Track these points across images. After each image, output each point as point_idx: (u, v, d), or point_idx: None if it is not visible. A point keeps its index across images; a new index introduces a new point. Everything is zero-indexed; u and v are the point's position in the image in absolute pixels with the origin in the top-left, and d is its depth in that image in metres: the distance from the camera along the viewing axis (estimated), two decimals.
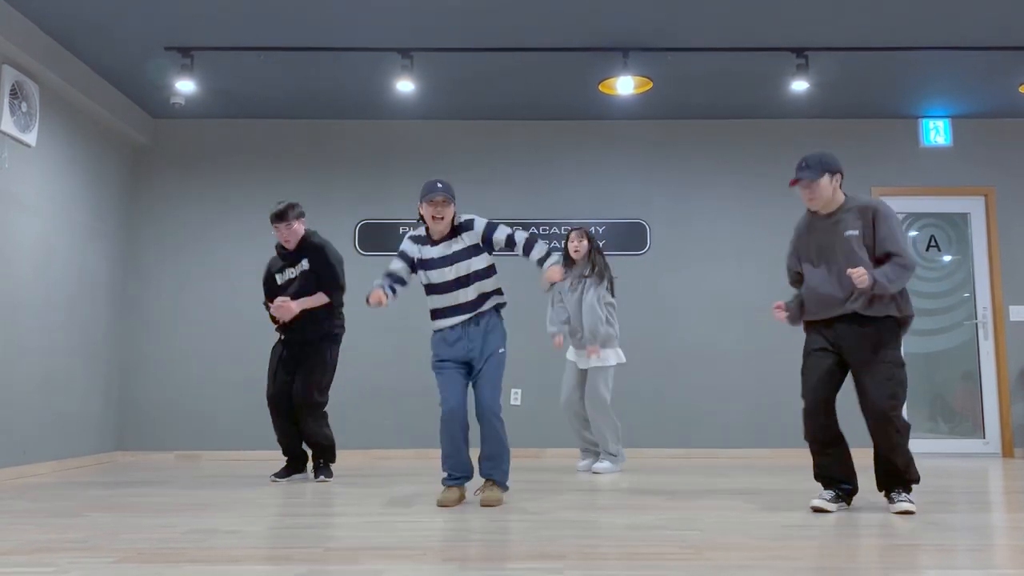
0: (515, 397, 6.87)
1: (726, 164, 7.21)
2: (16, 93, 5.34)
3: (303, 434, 5.18)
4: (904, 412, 3.79)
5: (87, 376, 6.34)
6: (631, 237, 7.11)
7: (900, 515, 3.62)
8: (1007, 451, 6.88)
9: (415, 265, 4.13)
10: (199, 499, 4.25)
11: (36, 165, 5.65)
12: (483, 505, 3.93)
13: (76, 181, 6.18)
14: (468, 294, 4.04)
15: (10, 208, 5.36)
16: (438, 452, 6.80)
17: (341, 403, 6.87)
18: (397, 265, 4.12)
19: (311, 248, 5.11)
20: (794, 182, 3.94)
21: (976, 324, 7.07)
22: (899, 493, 3.72)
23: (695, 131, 7.25)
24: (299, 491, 4.59)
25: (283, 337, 5.18)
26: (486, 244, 4.09)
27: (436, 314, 4.12)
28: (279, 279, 5.19)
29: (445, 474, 4.05)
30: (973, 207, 7.19)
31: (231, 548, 2.91)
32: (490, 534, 3.18)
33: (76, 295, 6.17)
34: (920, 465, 6.09)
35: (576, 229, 5.65)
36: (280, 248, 5.19)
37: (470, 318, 4.05)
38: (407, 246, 4.16)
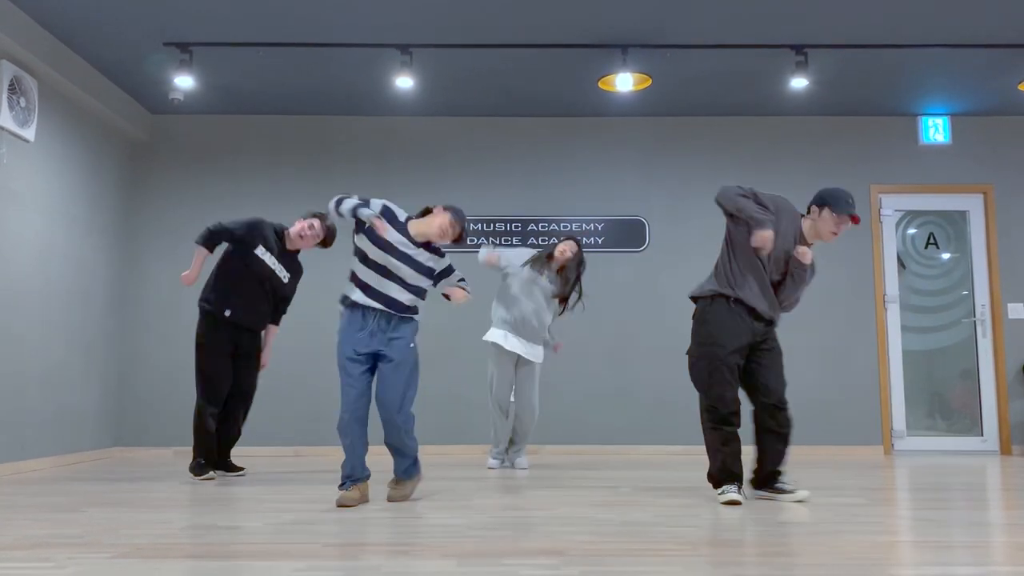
0: None
1: (725, 161, 7.21)
2: (15, 88, 5.33)
3: (239, 425, 5.16)
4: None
5: (85, 371, 6.33)
6: (630, 234, 7.11)
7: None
8: (1005, 448, 6.89)
9: (363, 228, 3.87)
10: (197, 495, 4.25)
11: (34, 160, 5.64)
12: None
13: (74, 176, 6.17)
14: (404, 295, 3.92)
15: (8, 203, 5.35)
16: (437, 448, 6.83)
17: (340, 399, 6.87)
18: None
19: (299, 267, 5.24)
20: (857, 219, 3.95)
21: (975, 322, 7.07)
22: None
23: (694, 128, 7.25)
24: (298, 487, 4.59)
25: (231, 318, 5.00)
26: (437, 277, 4.01)
27: (366, 290, 3.88)
28: (259, 253, 5.00)
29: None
30: (972, 205, 7.19)
31: (229, 544, 2.91)
32: (488, 530, 3.18)
33: (74, 290, 6.17)
34: (918, 463, 6.11)
35: (571, 239, 5.70)
36: (280, 242, 5.11)
37: (391, 315, 3.92)
38: (374, 204, 3.87)
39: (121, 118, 6.59)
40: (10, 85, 5.28)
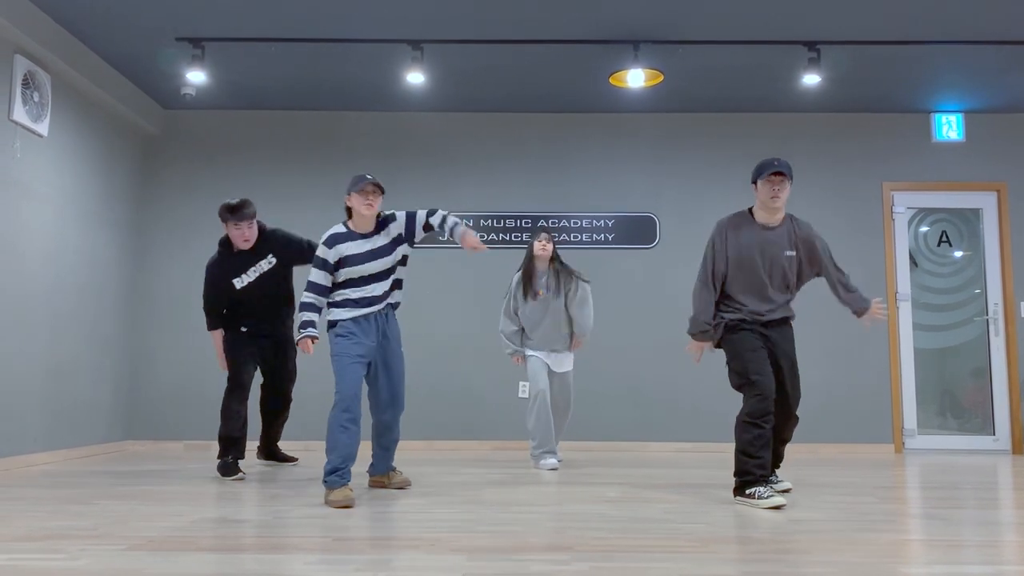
0: (523, 390, 6.88)
1: (736, 158, 7.18)
2: (28, 83, 5.35)
3: (276, 426, 5.30)
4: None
5: (97, 365, 6.37)
6: (640, 230, 7.10)
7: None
8: (1017, 448, 6.85)
9: (333, 268, 4.01)
10: (208, 488, 4.27)
11: (47, 155, 5.67)
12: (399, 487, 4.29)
13: (87, 171, 6.20)
14: (384, 286, 4.07)
15: (21, 197, 5.38)
16: (446, 443, 6.84)
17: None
18: (320, 289, 3.97)
19: (278, 240, 4.85)
20: (780, 174, 3.99)
21: (987, 320, 7.03)
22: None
23: (705, 124, 7.23)
24: (308, 482, 4.60)
25: (248, 331, 4.92)
26: (409, 234, 4.10)
27: (349, 304, 4.00)
28: (238, 283, 4.79)
29: (333, 471, 3.76)
30: (985, 202, 7.15)
31: (240, 537, 2.92)
32: (498, 525, 3.18)
33: (86, 284, 6.20)
34: (930, 462, 6.09)
35: (546, 230, 5.45)
36: (230, 250, 4.81)
37: (381, 309, 4.08)
38: (327, 254, 3.97)
39: (133, 113, 6.62)
40: (24, 80, 5.31)
